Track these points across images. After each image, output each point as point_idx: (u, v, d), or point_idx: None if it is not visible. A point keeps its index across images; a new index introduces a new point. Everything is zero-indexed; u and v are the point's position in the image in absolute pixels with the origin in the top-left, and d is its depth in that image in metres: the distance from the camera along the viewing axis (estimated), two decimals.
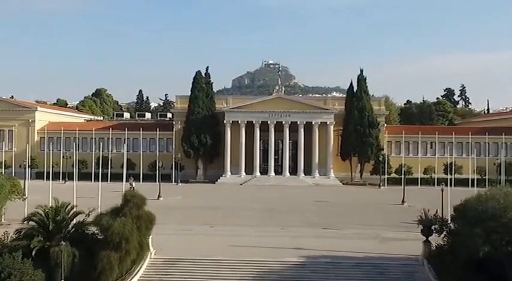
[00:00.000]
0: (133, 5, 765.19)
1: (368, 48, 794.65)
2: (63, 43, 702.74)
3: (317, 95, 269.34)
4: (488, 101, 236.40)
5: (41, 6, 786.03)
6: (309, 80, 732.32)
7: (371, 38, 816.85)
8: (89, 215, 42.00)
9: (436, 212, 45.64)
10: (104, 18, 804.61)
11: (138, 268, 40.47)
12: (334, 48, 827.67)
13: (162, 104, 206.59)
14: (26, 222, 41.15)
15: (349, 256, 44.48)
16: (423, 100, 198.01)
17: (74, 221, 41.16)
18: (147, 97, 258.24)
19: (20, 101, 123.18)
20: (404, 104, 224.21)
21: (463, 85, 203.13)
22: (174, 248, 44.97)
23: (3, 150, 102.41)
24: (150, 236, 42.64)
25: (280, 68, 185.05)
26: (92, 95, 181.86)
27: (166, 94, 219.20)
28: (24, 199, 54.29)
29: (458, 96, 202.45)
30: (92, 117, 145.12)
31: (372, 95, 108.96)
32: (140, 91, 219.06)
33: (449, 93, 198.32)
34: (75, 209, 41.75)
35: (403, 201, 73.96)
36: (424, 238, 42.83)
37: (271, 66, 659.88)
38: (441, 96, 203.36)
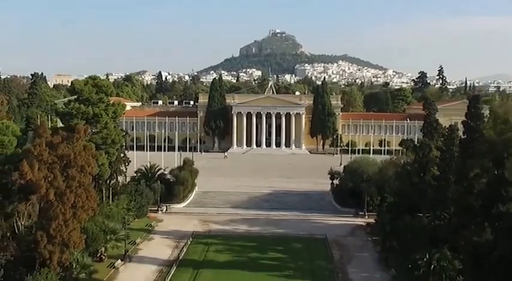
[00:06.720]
0: None
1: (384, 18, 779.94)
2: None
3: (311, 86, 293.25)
4: (466, 78, 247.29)
5: None
6: (315, 48, 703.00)
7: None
8: (165, 169, 76.01)
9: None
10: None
11: (190, 195, 74.55)
12: (340, 16, 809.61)
13: (182, 88, 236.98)
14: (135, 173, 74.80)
15: (296, 190, 78.54)
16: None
17: (159, 172, 74.89)
18: (165, 77, 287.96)
19: None
20: (383, 86, 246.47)
21: (441, 66, 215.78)
22: (205, 186, 78.77)
23: None
24: (196, 180, 76.50)
25: (272, 79, 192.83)
26: (124, 80, 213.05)
27: (185, 81, 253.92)
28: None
29: (437, 75, 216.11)
30: (135, 104, 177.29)
31: (332, 94, 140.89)
32: (160, 72, 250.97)
33: (422, 75, 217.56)
34: (159, 167, 75.40)
35: (340, 163, 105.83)
36: (331, 181, 76.28)
37: (278, 35, 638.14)
38: (416, 78, 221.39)
